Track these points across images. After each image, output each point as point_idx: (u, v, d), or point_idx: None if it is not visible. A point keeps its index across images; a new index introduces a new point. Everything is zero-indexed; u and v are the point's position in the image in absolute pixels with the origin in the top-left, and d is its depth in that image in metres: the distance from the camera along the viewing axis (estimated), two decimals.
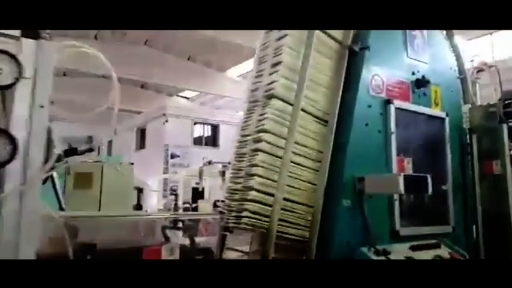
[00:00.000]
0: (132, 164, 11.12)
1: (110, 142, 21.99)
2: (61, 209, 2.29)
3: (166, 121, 16.52)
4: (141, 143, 19.63)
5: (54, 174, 2.28)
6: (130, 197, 9.42)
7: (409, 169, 3.44)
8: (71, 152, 2.33)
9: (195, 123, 17.70)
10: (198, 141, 17.86)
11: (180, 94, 20.38)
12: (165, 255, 2.19)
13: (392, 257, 2.77)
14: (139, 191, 19.81)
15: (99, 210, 7.90)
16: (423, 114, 3.66)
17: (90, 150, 2.40)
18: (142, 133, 19.66)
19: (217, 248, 3.05)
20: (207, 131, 18.29)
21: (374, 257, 2.71)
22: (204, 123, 18.01)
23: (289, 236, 2.84)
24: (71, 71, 16.18)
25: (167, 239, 2.71)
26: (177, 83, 17.11)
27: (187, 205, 11.03)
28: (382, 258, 2.70)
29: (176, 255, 2.22)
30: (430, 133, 3.74)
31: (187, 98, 19.96)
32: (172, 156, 16.89)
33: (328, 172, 3.02)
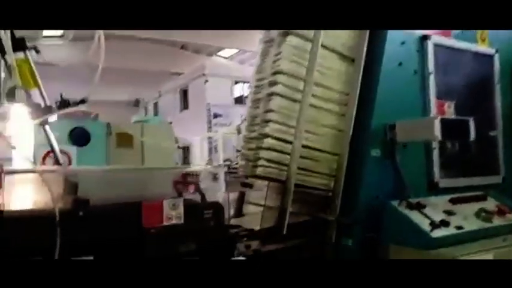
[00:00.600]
0: (171, 123, 11.18)
1: (156, 104, 22.34)
2: (58, 163, 2.17)
3: (207, 81, 16.38)
4: (185, 104, 19.73)
5: (47, 127, 2.15)
6: (171, 155, 9.53)
7: (450, 114, 3.04)
8: (63, 104, 2.20)
9: (236, 82, 17.46)
10: (239, 100, 17.67)
11: (219, 54, 20.09)
12: (166, 211, 2.02)
13: (428, 210, 2.46)
14: (185, 150, 20.23)
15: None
16: (467, 51, 3.19)
17: (83, 101, 2.27)
18: (184, 94, 19.73)
19: (237, 203, 2.88)
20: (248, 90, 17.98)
21: (406, 211, 2.41)
22: (244, 82, 17.78)
23: (311, 186, 2.59)
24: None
25: (180, 194, 2.55)
26: (216, 42, 16.82)
27: (229, 162, 10.98)
28: (416, 212, 2.40)
29: (180, 211, 2.05)
30: (476, 73, 3.27)
31: (226, 58, 19.68)
32: (216, 116, 16.88)
33: (356, 118, 2.71)
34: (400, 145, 2.76)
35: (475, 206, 2.63)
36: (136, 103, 23.85)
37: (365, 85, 2.73)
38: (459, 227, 2.37)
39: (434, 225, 2.30)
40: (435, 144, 2.88)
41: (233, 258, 2.27)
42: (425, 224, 2.32)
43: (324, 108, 2.67)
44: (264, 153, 2.51)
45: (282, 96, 2.56)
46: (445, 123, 2.42)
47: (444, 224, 2.34)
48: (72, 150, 8.36)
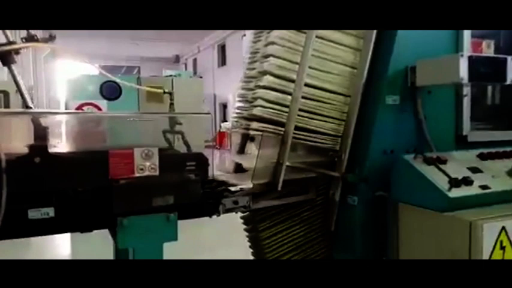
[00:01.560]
0: (201, 77, 11.02)
1: (195, 60, 22.21)
2: (27, 106, 1.99)
3: (244, 35, 15.92)
4: (223, 60, 19.46)
5: (14, 67, 1.96)
6: (202, 109, 9.43)
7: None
8: (29, 39, 1.99)
9: None
10: None
11: None
12: (138, 160, 1.80)
13: (449, 166, 2.09)
14: (224, 106, 20.13)
15: None
16: None
17: (52, 38, 2.05)
18: (222, 50, 19.40)
19: (240, 140, 2.63)
20: None
21: (421, 167, 2.06)
22: None
23: (317, 130, 2.29)
24: None
25: (170, 144, 2.34)
26: None
27: None
28: (432, 168, 2.05)
29: (154, 161, 1.82)
30: None
31: None
32: None
33: (372, 57, 2.33)
34: (423, 91, 2.37)
35: (509, 163, 2.23)
36: (177, 59, 23.87)
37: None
38: (484, 187, 2.01)
39: (453, 183, 1.95)
40: (466, 90, 2.46)
41: (218, 214, 2.05)
42: (442, 182, 1.97)
43: (334, 41, 2.30)
44: (262, 93, 2.22)
45: None
46: (474, 61, 1.99)
47: (466, 182, 1.98)
48: (103, 104, 8.43)
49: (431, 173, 2.03)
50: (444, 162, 2.12)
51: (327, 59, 2.30)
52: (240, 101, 2.54)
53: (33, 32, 2.01)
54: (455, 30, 2.44)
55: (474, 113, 2.52)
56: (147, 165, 1.85)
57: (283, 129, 2.19)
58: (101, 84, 8.72)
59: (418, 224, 2.04)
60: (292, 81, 2.22)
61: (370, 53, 2.31)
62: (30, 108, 2.02)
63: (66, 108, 8.40)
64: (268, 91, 2.22)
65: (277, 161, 2.19)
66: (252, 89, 2.37)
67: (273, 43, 2.24)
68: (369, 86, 2.33)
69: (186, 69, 22.44)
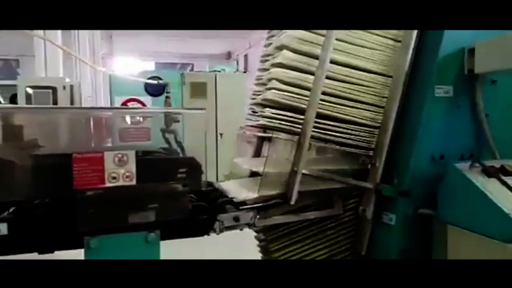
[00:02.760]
0: (245, 72, 10.71)
1: (246, 56, 22.04)
2: None
3: None
4: None
5: None
6: (245, 104, 9.12)
7: None
8: None
9: None
10: None
11: None
12: (109, 167, 1.46)
13: None
14: None
15: (216, 118, 7.94)
16: None
17: None
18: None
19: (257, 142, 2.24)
20: None
21: (478, 179, 1.55)
22: None
23: (346, 119, 1.82)
24: None
25: (169, 144, 1.99)
26: None
27: None
28: (494, 181, 1.53)
29: (130, 167, 1.47)
30: None
31: None
32: None
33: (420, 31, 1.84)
34: (485, 81, 1.84)
35: None
36: (228, 56, 23.82)
37: None
38: None
39: None
40: None
41: (214, 233, 1.67)
42: (506, 201, 1.45)
43: None
44: (277, 72, 1.80)
45: None
46: None
47: None
48: (148, 100, 8.38)
49: (492, 188, 1.51)
50: (510, 173, 1.59)
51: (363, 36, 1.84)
52: (256, 85, 2.14)
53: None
54: None
55: None
56: (121, 173, 1.50)
57: (302, 117, 1.75)
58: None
59: (473, 255, 1.53)
60: (317, 57, 1.78)
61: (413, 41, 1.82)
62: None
63: (111, 104, 8.43)
64: (285, 70, 1.80)
65: (291, 167, 1.76)
66: (267, 69, 1.96)
67: None
68: (414, 71, 1.84)
69: (237, 65, 22.31)
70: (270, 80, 1.84)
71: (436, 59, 1.79)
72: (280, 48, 1.85)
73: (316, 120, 1.74)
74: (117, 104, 8.08)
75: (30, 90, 6.92)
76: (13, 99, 6.69)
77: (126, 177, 1.51)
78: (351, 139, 1.82)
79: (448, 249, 1.65)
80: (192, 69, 22.37)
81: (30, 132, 1.71)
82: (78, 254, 1.47)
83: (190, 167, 1.61)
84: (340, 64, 1.82)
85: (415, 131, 1.81)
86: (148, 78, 8.65)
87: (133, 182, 1.51)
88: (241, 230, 1.78)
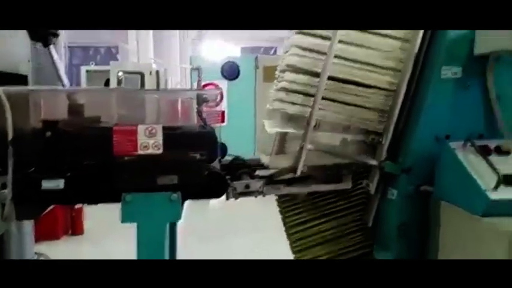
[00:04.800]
0: None
1: None
2: (62, 85, 2.16)
3: None
4: None
5: (52, 48, 2.12)
6: None
7: None
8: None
9: None
10: None
11: None
12: (141, 138, 1.81)
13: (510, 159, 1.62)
14: None
15: None
16: None
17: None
18: None
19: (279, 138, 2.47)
20: None
21: (467, 158, 1.63)
22: None
23: (362, 82, 1.96)
24: None
25: (205, 122, 2.30)
26: None
27: None
28: (480, 160, 1.60)
29: (158, 139, 1.81)
30: None
31: None
32: None
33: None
34: (498, 62, 1.86)
35: None
36: None
37: None
38: None
39: (505, 181, 1.50)
40: None
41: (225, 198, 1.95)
42: (488, 178, 1.52)
43: None
44: (297, 38, 1.97)
45: None
46: None
47: None
48: (224, 83, 8.85)
49: (478, 166, 1.59)
50: (506, 153, 1.64)
51: None
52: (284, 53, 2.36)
53: None
54: None
55: None
56: (150, 143, 1.84)
57: (318, 79, 1.92)
58: (222, 65, 9.11)
59: (458, 228, 1.63)
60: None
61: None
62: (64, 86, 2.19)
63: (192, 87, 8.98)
64: (304, 36, 1.97)
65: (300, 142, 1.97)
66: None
67: None
68: (424, 52, 1.92)
69: None
70: (291, 46, 2.02)
71: (445, 39, 1.86)
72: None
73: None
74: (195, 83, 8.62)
75: (121, 75, 7.66)
76: (107, 83, 7.49)
77: (155, 146, 1.84)
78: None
79: (441, 224, 1.75)
80: (274, 53, 22.62)
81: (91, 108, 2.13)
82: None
83: (207, 139, 1.91)
84: None
85: (420, 111, 1.90)
86: (225, 64, 9.11)
87: (161, 151, 1.84)
88: (255, 197, 2.05)
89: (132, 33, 10.81)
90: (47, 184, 1.80)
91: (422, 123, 1.90)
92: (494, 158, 1.60)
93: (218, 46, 21.19)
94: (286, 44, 2.21)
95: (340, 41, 1.91)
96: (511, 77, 1.88)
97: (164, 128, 1.85)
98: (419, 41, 1.90)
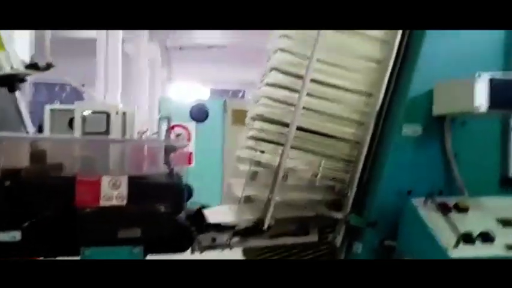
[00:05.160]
0: None
1: None
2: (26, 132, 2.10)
3: None
4: None
5: (17, 94, 2.09)
6: None
7: None
8: (30, 66, 2.12)
9: None
10: None
11: None
12: (105, 189, 1.77)
13: (471, 216, 1.68)
14: None
15: None
16: None
17: (50, 66, 2.14)
18: None
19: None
20: None
21: (430, 215, 1.68)
22: None
23: (327, 133, 2.03)
24: None
25: (172, 171, 2.26)
26: None
27: None
28: (440, 217, 1.65)
29: (122, 190, 1.77)
30: None
31: None
32: None
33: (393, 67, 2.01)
34: (454, 121, 1.96)
35: None
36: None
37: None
38: (510, 247, 1.55)
39: (464, 239, 1.54)
40: None
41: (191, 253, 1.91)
42: (449, 236, 1.57)
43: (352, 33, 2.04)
44: (267, 90, 2.05)
45: None
46: (498, 85, 1.57)
47: (485, 238, 1.55)
48: (192, 125, 8.84)
49: (438, 223, 1.64)
50: (465, 210, 1.71)
51: (343, 53, 2.05)
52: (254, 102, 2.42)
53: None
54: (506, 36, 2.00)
55: None
56: (114, 195, 1.80)
57: (287, 129, 1.97)
58: (192, 107, 9.13)
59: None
60: (302, 77, 1.99)
61: (391, 62, 1.99)
62: (27, 133, 2.14)
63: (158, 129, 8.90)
64: (274, 88, 2.04)
65: (268, 194, 1.98)
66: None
67: (284, 36, 2.05)
68: (387, 107, 2.01)
69: None
70: (260, 97, 2.09)
71: (406, 99, 1.95)
72: (271, 69, 2.09)
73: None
74: (164, 129, 8.57)
75: (86, 114, 7.50)
76: (70, 122, 7.31)
77: (119, 198, 1.80)
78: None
79: None
80: (243, 96, 23.02)
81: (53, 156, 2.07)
82: None
83: (175, 190, 1.88)
84: (322, 83, 2.01)
85: (383, 166, 1.96)
86: (193, 106, 9.16)
87: (124, 203, 1.80)
88: (222, 250, 2.01)
89: (100, 71, 10.77)
90: (2, 236, 1.71)
91: (385, 178, 1.95)
92: (453, 216, 1.65)
93: (188, 87, 21.33)
94: (256, 94, 2.28)
95: (308, 94, 1.98)
96: (467, 136, 1.97)
97: (129, 178, 1.82)
98: (381, 97, 1.99)
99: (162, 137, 7.99)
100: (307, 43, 2.00)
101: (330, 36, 2.00)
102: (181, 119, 8.86)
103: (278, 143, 2.00)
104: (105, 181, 1.80)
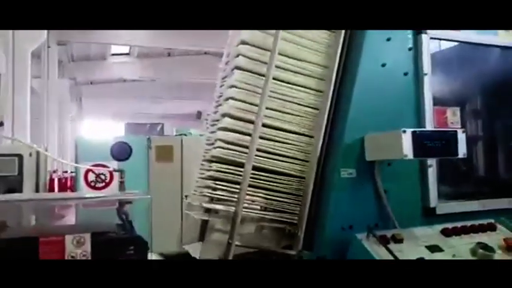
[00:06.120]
0: None
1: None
2: None
3: None
4: None
5: None
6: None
7: (455, 123, 2.50)
8: None
9: None
10: None
11: None
12: (69, 248, 1.78)
13: (406, 246, 1.97)
14: None
15: (181, 182, 8.10)
16: (484, 45, 2.60)
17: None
18: None
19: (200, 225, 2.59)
20: None
21: (373, 248, 1.94)
22: None
23: (277, 170, 2.26)
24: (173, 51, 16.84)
25: (124, 224, 2.29)
26: None
27: None
28: (381, 248, 1.92)
29: (86, 248, 1.79)
30: (498, 71, 2.68)
31: None
32: None
33: (327, 129, 2.30)
34: (382, 163, 2.28)
35: (476, 239, 2.08)
36: (199, 115, 24.40)
37: (341, 87, 2.31)
38: None
39: None
40: (432, 161, 2.35)
41: None
42: None
43: (297, 84, 2.34)
44: (221, 134, 2.23)
45: (243, 69, 2.25)
46: (418, 137, 1.92)
47: None
48: (114, 165, 8.57)
49: (381, 253, 1.90)
50: (400, 241, 2.00)
51: (287, 100, 2.30)
52: (206, 144, 2.56)
53: None
54: (416, 99, 2.40)
55: (443, 182, 2.40)
56: (78, 253, 1.82)
57: (243, 169, 2.14)
58: (111, 145, 8.87)
59: None
60: (252, 122, 2.21)
61: (325, 116, 2.29)
62: None
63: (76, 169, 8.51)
64: (227, 132, 2.23)
65: (228, 239, 2.12)
66: (214, 132, 2.38)
67: (232, 86, 2.25)
68: (327, 151, 2.28)
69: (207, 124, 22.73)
70: (216, 140, 2.27)
71: (341, 146, 2.24)
72: (223, 115, 2.27)
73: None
74: (83, 169, 8.20)
75: None
76: None
77: (83, 256, 1.82)
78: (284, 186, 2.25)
79: None
80: (162, 129, 22.79)
81: None
82: None
83: (137, 244, 1.94)
84: (270, 127, 2.25)
85: (327, 206, 2.21)
86: (114, 144, 8.93)
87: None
88: None
89: (9, 109, 10.08)
90: None
91: (330, 215, 2.20)
92: (392, 246, 1.93)
93: (101, 124, 20.56)
94: (210, 136, 2.45)
95: (260, 137, 2.19)
96: (393, 175, 2.30)
97: (93, 234, 1.85)
98: (321, 141, 2.27)
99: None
100: (255, 93, 2.24)
101: (276, 88, 2.27)
102: (102, 158, 8.56)
103: (235, 182, 2.18)
104: (69, 240, 1.81)
